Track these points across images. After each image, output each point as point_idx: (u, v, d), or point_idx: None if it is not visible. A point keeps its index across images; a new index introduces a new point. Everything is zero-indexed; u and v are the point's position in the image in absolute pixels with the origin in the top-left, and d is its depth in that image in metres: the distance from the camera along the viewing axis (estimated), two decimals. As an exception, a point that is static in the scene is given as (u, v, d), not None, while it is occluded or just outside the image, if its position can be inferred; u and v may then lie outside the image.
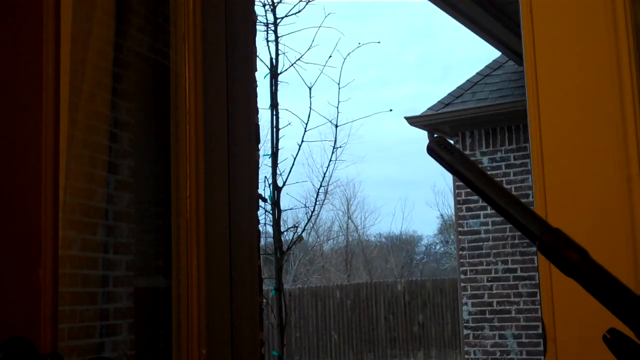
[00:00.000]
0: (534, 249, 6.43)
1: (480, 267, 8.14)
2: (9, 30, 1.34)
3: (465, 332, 8.47)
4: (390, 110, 16.34)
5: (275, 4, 5.54)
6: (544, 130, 1.35)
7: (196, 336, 1.72)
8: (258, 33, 2.88)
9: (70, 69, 1.78)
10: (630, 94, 1.29)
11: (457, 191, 8.40)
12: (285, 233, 5.70)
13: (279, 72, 5.46)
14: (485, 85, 8.41)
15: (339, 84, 6.41)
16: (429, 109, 8.52)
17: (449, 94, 8.57)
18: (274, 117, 5.39)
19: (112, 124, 2.05)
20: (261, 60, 5.68)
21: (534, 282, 7.65)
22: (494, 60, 8.71)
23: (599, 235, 1.30)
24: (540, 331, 4.09)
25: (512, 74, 8.30)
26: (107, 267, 2.02)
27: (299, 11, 5.57)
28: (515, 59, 7.60)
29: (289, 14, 5.59)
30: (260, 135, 2.15)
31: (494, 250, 8.04)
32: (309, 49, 6.85)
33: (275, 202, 5.43)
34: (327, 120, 6.62)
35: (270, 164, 5.40)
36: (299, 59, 5.73)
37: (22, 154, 1.32)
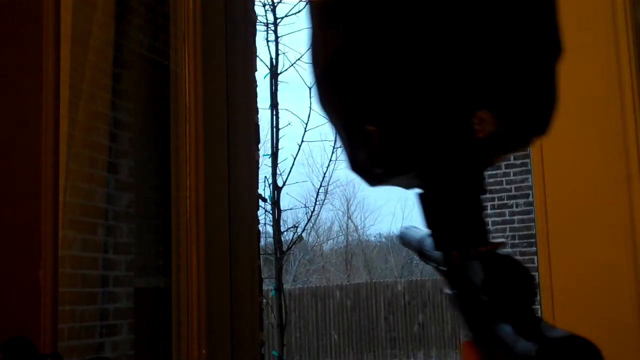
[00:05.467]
0: (534, 248, 6.44)
1: (480, 267, 8.14)
2: (9, 30, 1.34)
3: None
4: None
5: (275, 4, 5.55)
6: (544, 130, 1.35)
7: (196, 336, 1.71)
8: (258, 33, 2.88)
9: (70, 69, 1.78)
10: (630, 93, 1.29)
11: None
12: (285, 233, 5.70)
13: (279, 72, 5.46)
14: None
15: (339, 84, 6.40)
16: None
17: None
18: (274, 117, 5.39)
19: (112, 124, 2.05)
20: (261, 60, 5.68)
21: (534, 282, 7.63)
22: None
23: (599, 235, 1.30)
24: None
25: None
26: (107, 267, 2.02)
27: (299, 11, 5.58)
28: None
29: (289, 14, 5.60)
30: (260, 135, 2.15)
31: (494, 250, 8.04)
32: (309, 49, 6.83)
33: (275, 202, 5.43)
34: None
35: (270, 164, 5.41)
36: (299, 59, 5.73)
37: (22, 153, 1.32)
